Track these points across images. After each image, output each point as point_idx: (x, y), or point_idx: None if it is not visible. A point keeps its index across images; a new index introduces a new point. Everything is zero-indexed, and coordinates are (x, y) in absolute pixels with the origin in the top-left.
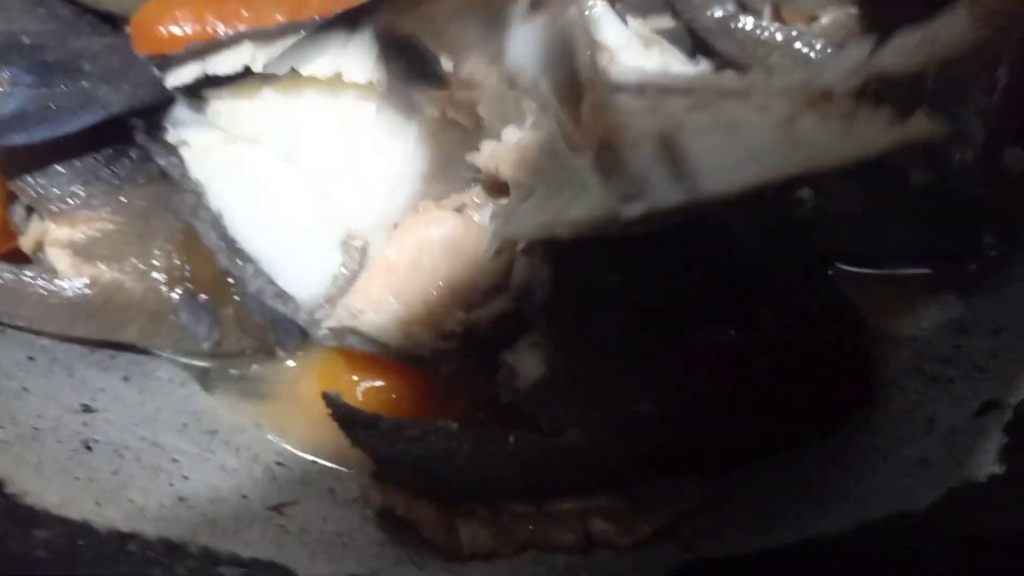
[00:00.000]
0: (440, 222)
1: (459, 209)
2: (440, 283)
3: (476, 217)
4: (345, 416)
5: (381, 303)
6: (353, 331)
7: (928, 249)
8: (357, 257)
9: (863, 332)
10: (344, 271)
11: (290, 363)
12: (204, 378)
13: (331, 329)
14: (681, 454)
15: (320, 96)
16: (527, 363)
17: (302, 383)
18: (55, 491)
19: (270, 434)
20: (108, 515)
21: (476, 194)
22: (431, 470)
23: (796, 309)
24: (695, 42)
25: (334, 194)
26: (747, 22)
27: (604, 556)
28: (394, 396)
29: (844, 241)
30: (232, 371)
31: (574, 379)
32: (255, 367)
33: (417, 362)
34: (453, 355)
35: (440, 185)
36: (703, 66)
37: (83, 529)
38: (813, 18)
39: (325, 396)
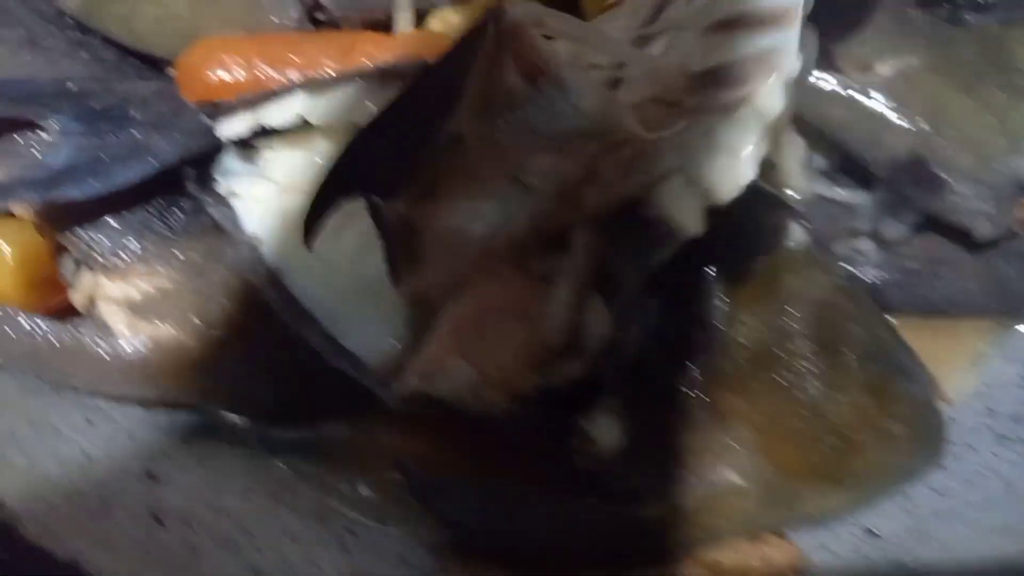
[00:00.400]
0: (505, 279)
1: (520, 263)
2: (509, 343)
3: (539, 271)
4: (420, 484)
5: (451, 366)
6: (425, 396)
7: (991, 301)
8: (422, 315)
9: (933, 387)
10: (410, 330)
11: (352, 426)
12: (268, 440)
13: (403, 396)
14: (767, 522)
15: None
16: (605, 430)
17: (366, 444)
18: (128, 570)
19: (338, 499)
20: None
21: (537, 247)
22: (513, 540)
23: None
24: None
25: None
26: (810, 73)
27: None
28: (460, 458)
29: (909, 293)
30: (297, 433)
31: (654, 447)
32: (319, 428)
33: (489, 425)
34: (525, 418)
35: (500, 239)
36: None
37: None
38: (867, 67)
39: (396, 462)
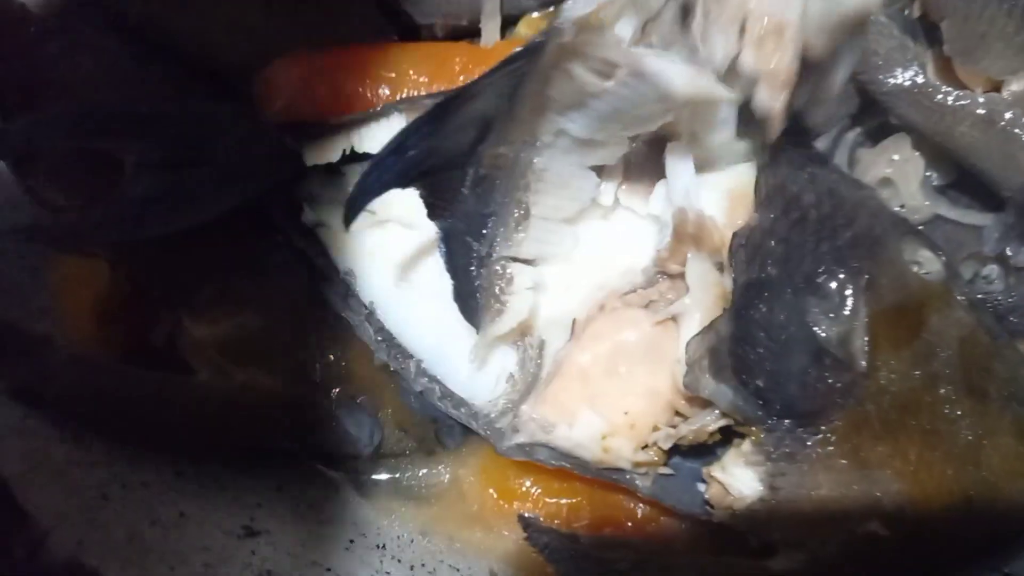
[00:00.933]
0: (634, 324)
1: (647, 307)
2: (640, 391)
3: (668, 314)
4: (549, 544)
5: (576, 415)
6: (545, 445)
7: None
8: (535, 357)
9: None
10: (520, 371)
11: (448, 462)
12: (358, 482)
13: (521, 444)
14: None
15: None
16: (743, 480)
17: (464, 485)
18: None
19: (439, 544)
20: None
21: (663, 289)
22: None
23: None
24: (863, 101)
25: None
26: (935, 89)
27: None
28: (577, 504)
29: None
30: (389, 475)
31: (793, 497)
32: (412, 469)
33: (614, 476)
34: (653, 467)
35: (622, 279)
36: None
37: None
38: (998, 83)
39: (521, 520)
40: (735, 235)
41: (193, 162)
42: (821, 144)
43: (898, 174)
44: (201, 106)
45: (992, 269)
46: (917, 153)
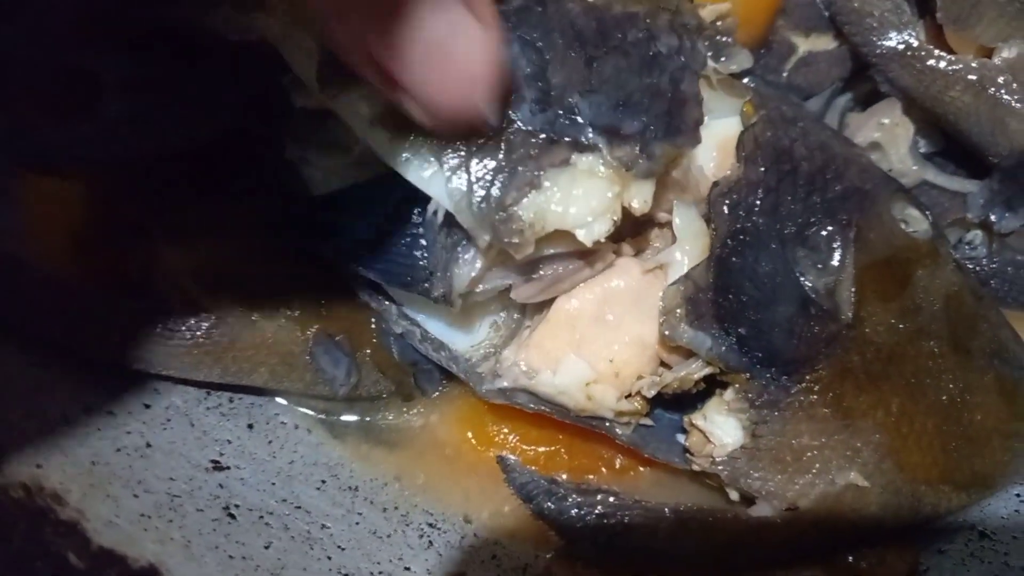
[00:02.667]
0: (624, 272)
1: (638, 254)
2: (626, 339)
3: (656, 263)
4: (527, 485)
5: (561, 361)
6: (527, 390)
7: None
8: (520, 303)
9: None
10: (504, 317)
11: (425, 407)
12: (332, 424)
13: (503, 388)
14: (887, 525)
15: None
16: (724, 429)
17: (440, 430)
18: (207, 573)
19: (413, 489)
20: None
21: (652, 237)
22: (625, 547)
23: None
24: (855, 64)
25: None
26: (928, 53)
27: None
28: (555, 452)
29: (1019, 287)
30: (363, 417)
31: (775, 446)
32: (387, 412)
33: (594, 424)
34: (635, 416)
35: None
36: None
37: None
38: (989, 50)
39: (500, 461)
40: (715, 184)
41: (176, 84)
42: (813, 105)
43: (887, 138)
44: (186, 27)
45: (976, 235)
46: (907, 118)
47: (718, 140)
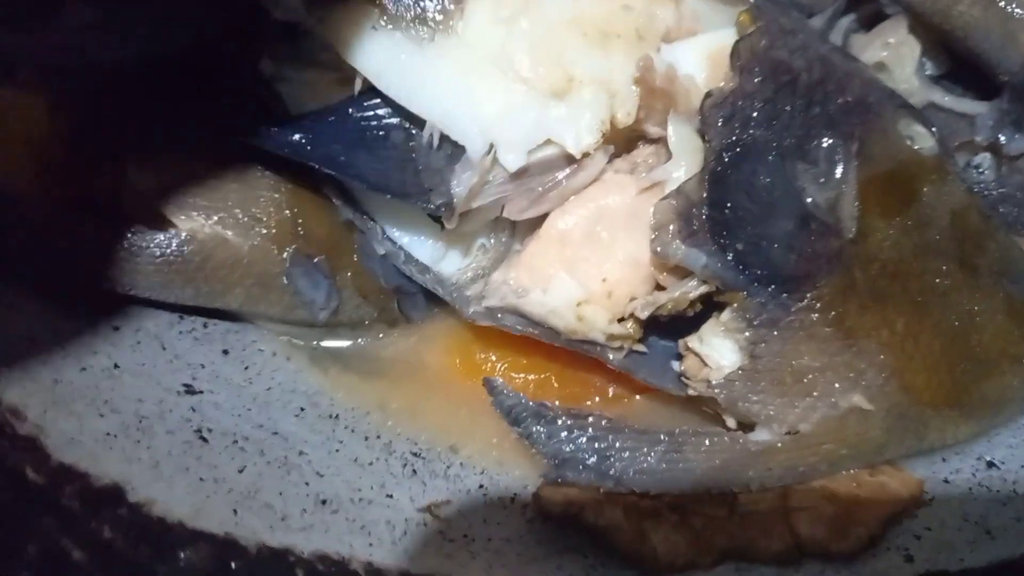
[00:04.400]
0: (620, 189)
1: (632, 171)
2: (620, 259)
3: (651, 180)
4: (514, 408)
5: (551, 280)
6: (515, 311)
7: None
8: (509, 224)
9: None
10: (493, 240)
11: (409, 335)
12: (312, 351)
13: (489, 308)
14: (891, 452)
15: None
16: (720, 351)
17: (426, 358)
18: (183, 497)
19: (396, 418)
20: (250, 526)
21: (646, 154)
22: (615, 471)
23: None
24: None
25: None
26: None
27: (814, 566)
28: (544, 380)
29: None
30: (344, 343)
31: (774, 368)
32: (371, 338)
33: (585, 348)
34: (628, 340)
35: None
36: None
37: (229, 547)
38: None
39: (487, 383)
40: (708, 95)
41: None
42: (815, 24)
43: (892, 58)
44: None
45: (984, 158)
46: (912, 37)
47: (710, 49)
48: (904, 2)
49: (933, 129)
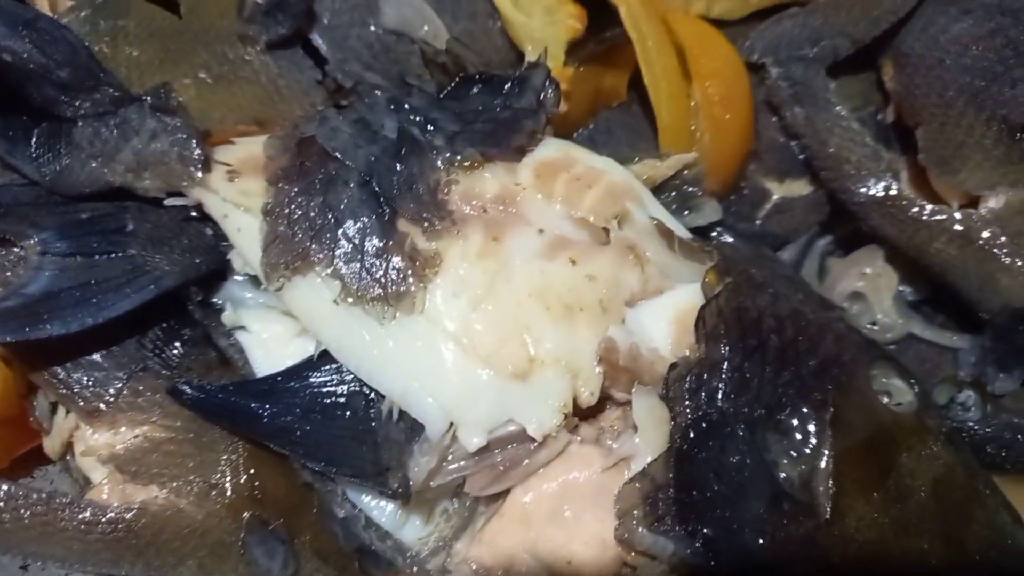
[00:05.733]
0: (586, 464)
1: (597, 439)
2: (586, 540)
3: (617, 457)
4: None
5: (515, 561)
6: None
7: None
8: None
9: None
10: (456, 505)
11: None
12: None
13: None
14: None
15: None
16: None
17: None
18: None
19: None
20: None
21: (612, 418)
22: None
23: None
24: (833, 208)
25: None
26: (910, 202)
27: None
28: None
29: (1016, 451)
30: None
31: None
32: None
33: None
34: None
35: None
36: None
37: None
38: (976, 198)
39: None
40: (672, 368)
41: (105, 253)
42: (789, 253)
43: (870, 288)
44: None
45: (968, 396)
46: (890, 267)
47: (676, 312)
48: (881, 234)
49: (913, 381)
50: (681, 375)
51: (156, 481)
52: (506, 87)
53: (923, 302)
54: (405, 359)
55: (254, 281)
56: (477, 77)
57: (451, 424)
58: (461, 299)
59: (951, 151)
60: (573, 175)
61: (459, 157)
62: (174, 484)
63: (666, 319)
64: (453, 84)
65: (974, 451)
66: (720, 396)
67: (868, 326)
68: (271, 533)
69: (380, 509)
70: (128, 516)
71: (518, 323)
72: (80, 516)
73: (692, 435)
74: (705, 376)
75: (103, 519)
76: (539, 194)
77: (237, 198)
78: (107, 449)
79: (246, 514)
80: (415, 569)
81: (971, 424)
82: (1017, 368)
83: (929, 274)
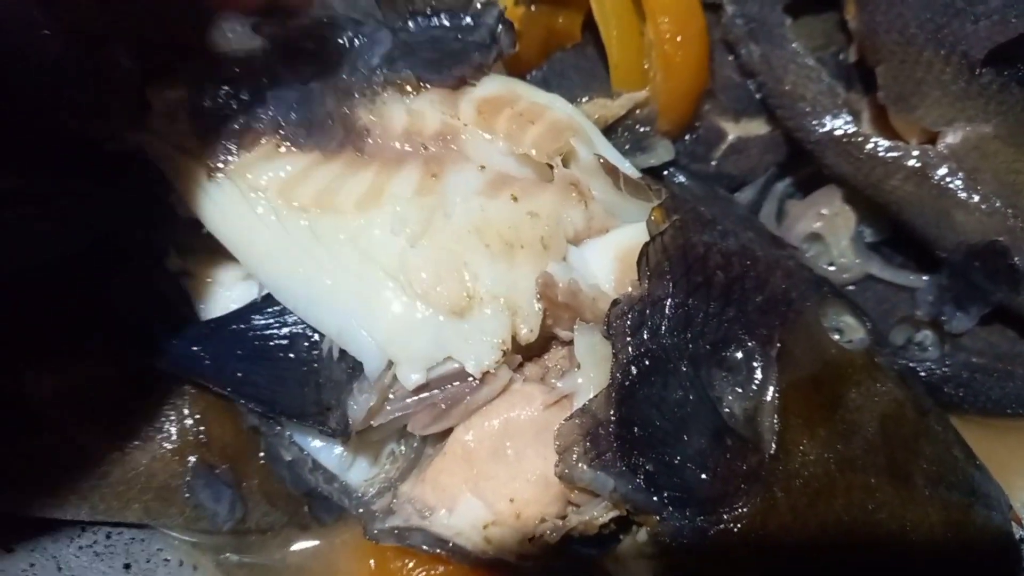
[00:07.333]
0: (527, 401)
1: (542, 379)
2: (529, 477)
3: (560, 394)
4: None
5: (457, 500)
6: (421, 531)
7: None
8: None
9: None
10: (403, 446)
11: (321, 538)
12: (219, 558)
13: (395, 528)
14: None
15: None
16: (635, 572)
17: (340, 562)
18: None
19: None
20: None
21: (557, 357)
22: None
23: None
24: (791, 149)
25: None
26: (866, 139)
27: None
28: None
29: (973, 391)
30: (253, 551)
31: None
32: (280, 544)
33: (495, 566)
34: (539, 559)
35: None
36: None
37: None
38: (933, 135)
39: None
40: (614, 304)
41: (40, 196)
42: (747, 194)
43: (828, 229)
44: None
45: (926, 335)
46: (848, 207)
47: (620, 250)
48: (838, 173)
49: (865, 318)
50: (623, 311)
51: (100, 424)
52: (463, 22)
53: (882, 243)
54: (341, 296)
55: (199, 226)
56: (428, 12)
57: (389, 362)
58: (399, 236)
59: (910, 87)
60: (516, 111)
61: (397, 77)
62: (118, 428)
63: (610, 257)
64: (405, 18)
65: (932, 391)
66: (663, 332)
67: (826, 267)
68: (217, 477)
69: (327, 452)
70: (72, 461)
71: (456, 260)
72: (25, 460)
73: (634, 371)
74: (648, 312)
75: (48, 463)
76: (481, 130)
77: None
78: (56, 394)
79: (192, 458)
80: (360, 511)
81: (929, 364)
82: (973, 306)
83: (886, 212)
